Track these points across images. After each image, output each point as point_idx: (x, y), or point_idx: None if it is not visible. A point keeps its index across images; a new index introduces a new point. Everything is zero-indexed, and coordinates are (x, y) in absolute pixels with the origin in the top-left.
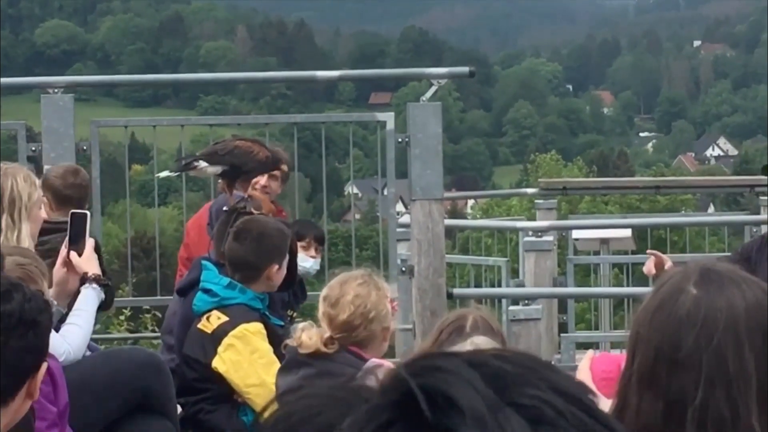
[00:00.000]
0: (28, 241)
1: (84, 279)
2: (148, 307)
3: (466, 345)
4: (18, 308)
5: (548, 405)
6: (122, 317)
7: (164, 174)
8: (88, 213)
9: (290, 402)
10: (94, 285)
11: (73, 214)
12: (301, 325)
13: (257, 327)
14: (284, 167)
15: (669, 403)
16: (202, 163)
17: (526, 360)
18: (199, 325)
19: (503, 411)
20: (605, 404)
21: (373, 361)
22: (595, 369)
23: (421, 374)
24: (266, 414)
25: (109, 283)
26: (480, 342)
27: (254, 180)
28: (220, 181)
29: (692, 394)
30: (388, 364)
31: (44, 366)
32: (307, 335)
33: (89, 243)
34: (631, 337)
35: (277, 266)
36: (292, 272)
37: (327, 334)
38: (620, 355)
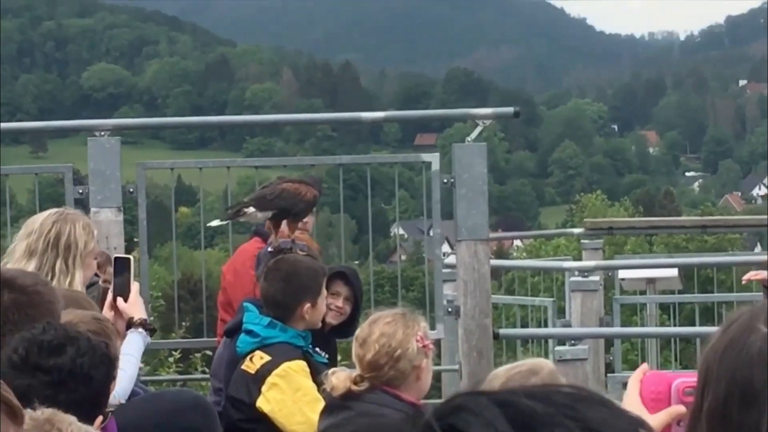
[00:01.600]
0: (80, 288)
1: (130, 323)
2: (198, 348)
3: None
4: (69, 362)
5: None
6: (171, 359)
7: (215, 223)
8: (131, 257)
9: None
10: (140, 330)
11: (116, 258)
12: (332, 369)
13: (300, 365)
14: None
15: None
16: (251, 209)
17: (566, 397)
18: (243, 366)
19: None
20: (655, 420)
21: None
22: (645, 389)
23: (446, 414)
24: None
25: (155, 328)
26: None
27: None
28: (267, 221)
29: (765, 430)
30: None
31: (98, 420)
32: (337, 378)
33: (134, 287)
34: (700, 376)
35: (309, 304)
36: (355, 313)
37: (356, 373)
38: (672, 374)
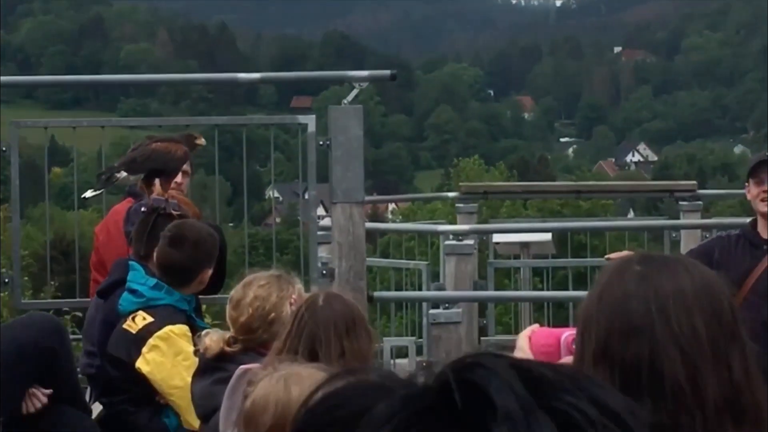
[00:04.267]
0: None
1: None
2: (67, 309)
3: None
4: None
5: (581, 413)
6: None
7: (90, 194)
8: None
9: (330, 389)
10: None
11: None
12: (204, 331)
13: (182, 329)
14: (200, 140)
15: (625, 370)
16: (123, 174)
17: (572, 372)
18: (124, 325)
19: (535, 413)
20: None
21: (241, 368)
22: (535, 342)
23: (463, 369)
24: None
25: None
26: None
27: (182, 180)
28: (139, 182)
29: (646, 359)
30: (256, 367)
31: None
32: (210, 339)
33: None
34: (580, 324)
35: (210, 270)
36: (221, 274)
37: (229, 335)
38: (559, 330)
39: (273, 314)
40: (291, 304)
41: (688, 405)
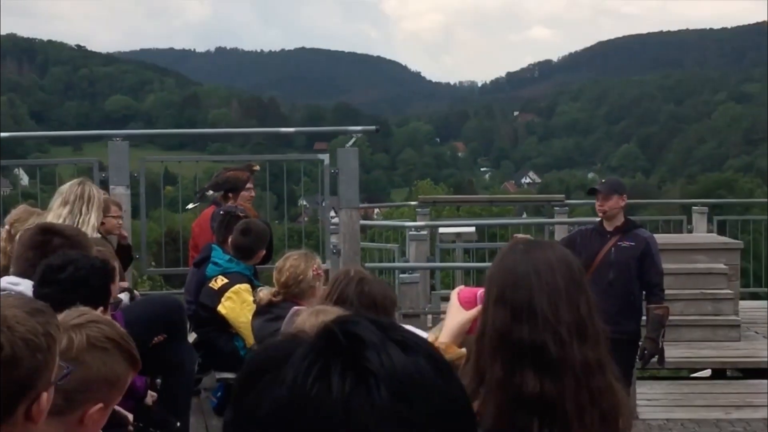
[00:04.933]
0: (95, 223)
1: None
2: (171, 274)
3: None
4: (69, 275)
5: (411, 341)
6: (144, 277)
7: (191, 206)
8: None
9: (268, 343)
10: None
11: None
12: (259, 288)
13: (246, 287)
14: (256, 167)
15: (514, 308)
16: (210, 192)
17: (399, 325)
18: (210, 284)
19: (387, 342)
20: (468, 314)
21: (294, 308)
22: (461, 296)
23: (342, 323)
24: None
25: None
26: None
27: (248, 194)
28: (219, 195)
29: (527, 301)
30: (303, 308)
31: (99, 310)
32: (263, 293)
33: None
34: (487, 281)
35: (263, 250)
36: (270, 253)
37: (274, 290)
38: (476, 288)
39: (301, 276)
40: (313, 271)
41: (550, 328)
